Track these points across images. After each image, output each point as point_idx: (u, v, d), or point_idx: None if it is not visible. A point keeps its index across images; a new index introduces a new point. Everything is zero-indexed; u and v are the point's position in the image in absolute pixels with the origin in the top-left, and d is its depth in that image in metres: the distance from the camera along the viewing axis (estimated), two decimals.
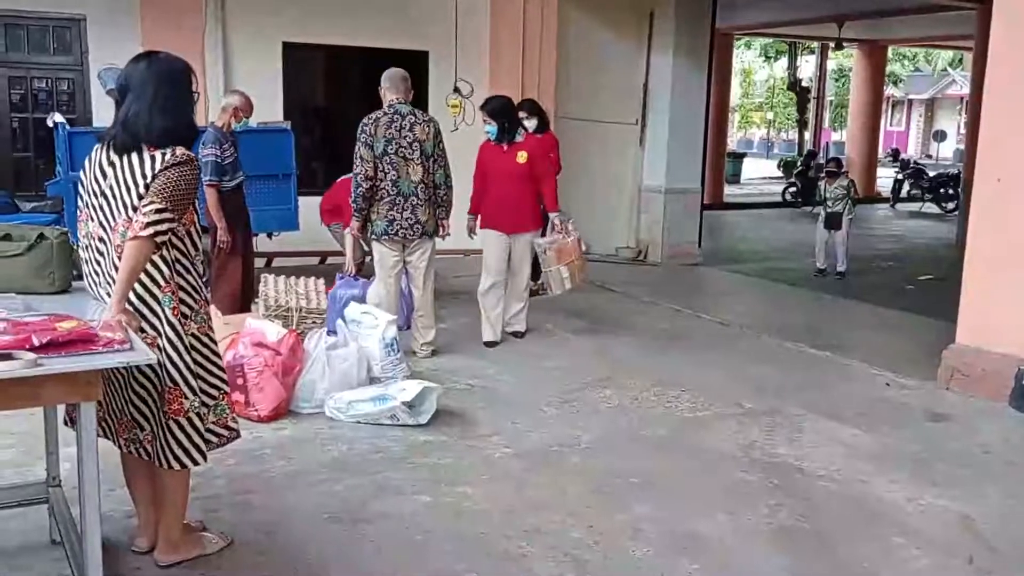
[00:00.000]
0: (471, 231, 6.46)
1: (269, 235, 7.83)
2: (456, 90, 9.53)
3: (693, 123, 10.47)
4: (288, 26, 9.21)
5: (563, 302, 7.86)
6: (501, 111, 6.19)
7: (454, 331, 6.60)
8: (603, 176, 10.52)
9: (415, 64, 9.62)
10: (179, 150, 2.83)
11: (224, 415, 3.03)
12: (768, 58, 37.12)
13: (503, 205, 6.20)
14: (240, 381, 4.52)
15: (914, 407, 5.28)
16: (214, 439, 3.00)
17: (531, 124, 7.82)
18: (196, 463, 2.96)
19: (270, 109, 8.65)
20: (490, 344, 6.27)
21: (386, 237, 5.64)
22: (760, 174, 27.09)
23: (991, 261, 5.46)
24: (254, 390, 4.53)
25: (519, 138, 6.26)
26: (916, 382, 5.74)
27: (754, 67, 40.29)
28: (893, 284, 10.09)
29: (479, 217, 6.33)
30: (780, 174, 24.66)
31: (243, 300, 6.25)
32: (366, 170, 5.52)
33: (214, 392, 2.99)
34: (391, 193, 5.57)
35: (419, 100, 9.78)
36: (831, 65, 30.48)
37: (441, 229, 5.84)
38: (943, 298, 7.80)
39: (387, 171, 5.54)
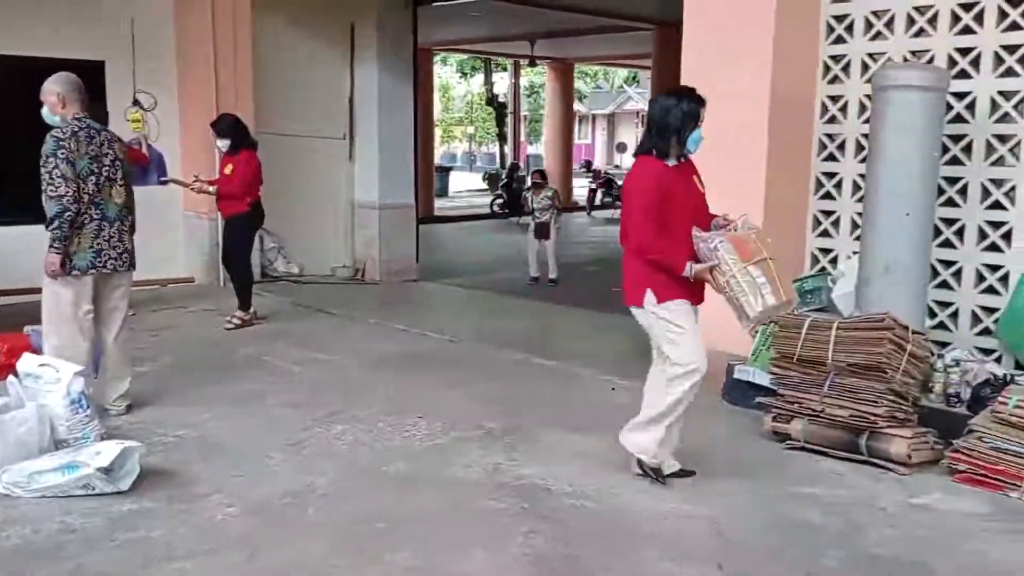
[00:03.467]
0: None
1: None
2: (136, 103, 8.59)
3: (402, 137, 10.33)
4: None
5: (280, 330, 7.35)
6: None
7: (155, 375, 5.85)
8: (313, 193, 10.07)
9: (90, 75, 8.56)
10: None
11: None
12: (464, 74, 38.23)
13: (688, 259, 4.02)
14: None
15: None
16: None
17: (224, 144, 7.30)
18: None
19: None
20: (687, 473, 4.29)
21: (93, 272, 4.85)
22: (466, 187, 27.70)
23: None
24: None
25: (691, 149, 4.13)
26: (638, 383, 5.84)
27: (451, 82, 41.32)
28: (601, 288, 10.48)
29: (650, 288, 4.03)
30: (485, 186, 25.37)
31: None
32: (72, 192, 4.67)
33: None
34: (95, 218, 4.81)
35: (98, 114, 8.76)
36: (523, 81, 31.98)
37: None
38: None
39: (91, 193, 4.78)
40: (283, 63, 9.68)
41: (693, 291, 4.09)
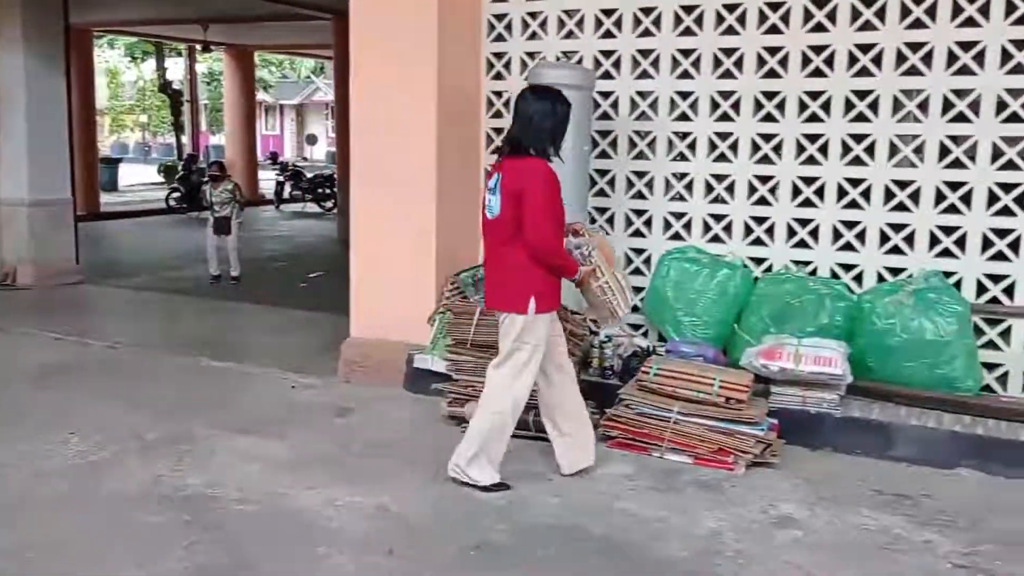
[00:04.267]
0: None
1: None
2: None
3: (55, 126, 9.35)
4: None
5: None
6: None
7: None
8: None
9: None
10: None
11: None
12: (135, 59, 35.48)
13: None
14: None
15: (321, 405, 5.33)
16: None
17: None
18: None
19: None
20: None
21: None
22: (140, 180, 25.77)
23: (373, 258, 5.79)
24: None
25: None
26: (320, 380, 5.83)
27: (121, 67, 38.19)
28: (287, 283, 10.27)
29: (535, 296, 3.94)
30: (162, 179, 23.76)
31: None
32: None
33: None
34: None
35: None
36: (201, 68, 30.34)
37: None
38: (334, 292, 8.19)
39: None
40: None
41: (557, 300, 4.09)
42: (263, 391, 5.62)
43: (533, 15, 5.91)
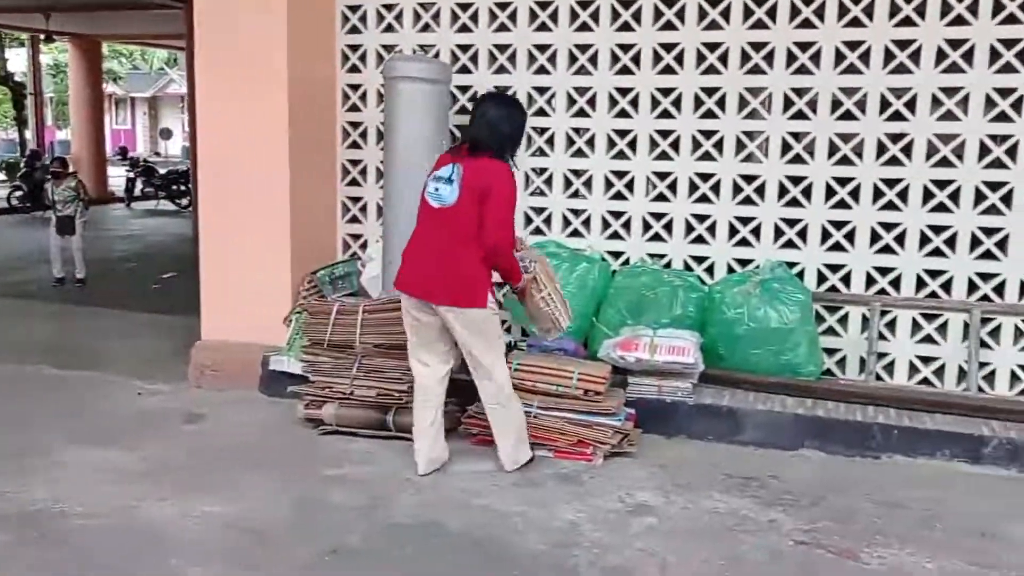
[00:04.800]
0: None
1: None
2: None
3: None
4: None
5: None
6: None
7: None
8: None
9: None
10: None
11: None
12: None
13: None
14: None
15: (171, 412, 5.09)
16: None
17: None
18: None
19: None
20: None
21: None
22: None
23: (225, 256, 5.59)
24: None
25: None
26: (169, 386, 5.58)
27: None
28: (138, 285, 9.80)
29: (488, 288, 4.14)
30: (3, 177, 22.30)
31: None
32: None
33: None
34: None
35: None
36: (47, 60, 28.56)
37: None
38: (188, 293, 7.85)
39: None
40: None
41: None
42: (109, 399, 5.32)
43: (388, 7, 5.82)
